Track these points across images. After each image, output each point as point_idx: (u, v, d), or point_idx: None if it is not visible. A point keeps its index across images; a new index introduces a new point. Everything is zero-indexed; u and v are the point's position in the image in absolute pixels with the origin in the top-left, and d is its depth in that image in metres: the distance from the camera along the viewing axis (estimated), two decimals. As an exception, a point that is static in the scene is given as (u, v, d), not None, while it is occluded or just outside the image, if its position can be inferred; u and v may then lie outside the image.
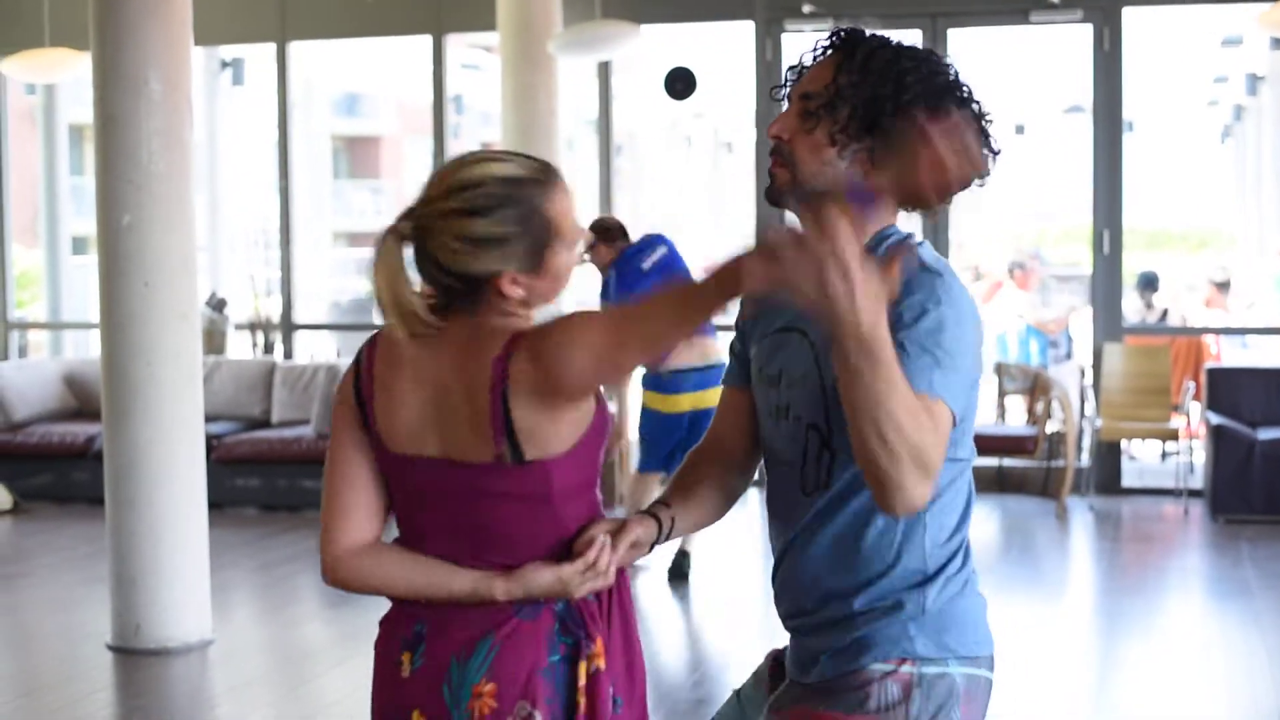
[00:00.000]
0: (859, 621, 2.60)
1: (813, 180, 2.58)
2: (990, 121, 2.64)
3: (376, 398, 2.69)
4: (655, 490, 8.39)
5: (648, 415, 8.54)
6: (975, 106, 2.62)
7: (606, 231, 8.61)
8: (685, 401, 8.40)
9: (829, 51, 2.64)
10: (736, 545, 9.42)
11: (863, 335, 2.24)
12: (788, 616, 2.75)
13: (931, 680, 2.56)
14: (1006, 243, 25.28)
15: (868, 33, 2.63)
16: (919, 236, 2.67)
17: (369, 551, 2.70)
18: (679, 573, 8.56)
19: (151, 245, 7.16)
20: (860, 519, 2.61)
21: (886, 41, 2.61)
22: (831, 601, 2.64)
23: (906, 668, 2.56)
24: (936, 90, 2.57)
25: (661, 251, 8.50)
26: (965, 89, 2.61)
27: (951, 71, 2.61)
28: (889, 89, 2.55)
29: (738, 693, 2.92)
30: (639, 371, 8.61)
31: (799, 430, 2.64)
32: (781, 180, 2.62)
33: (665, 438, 8.41)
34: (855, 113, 2.56)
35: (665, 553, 8.74)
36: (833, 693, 2.59)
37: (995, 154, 2.64)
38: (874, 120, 2.55)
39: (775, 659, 2.88)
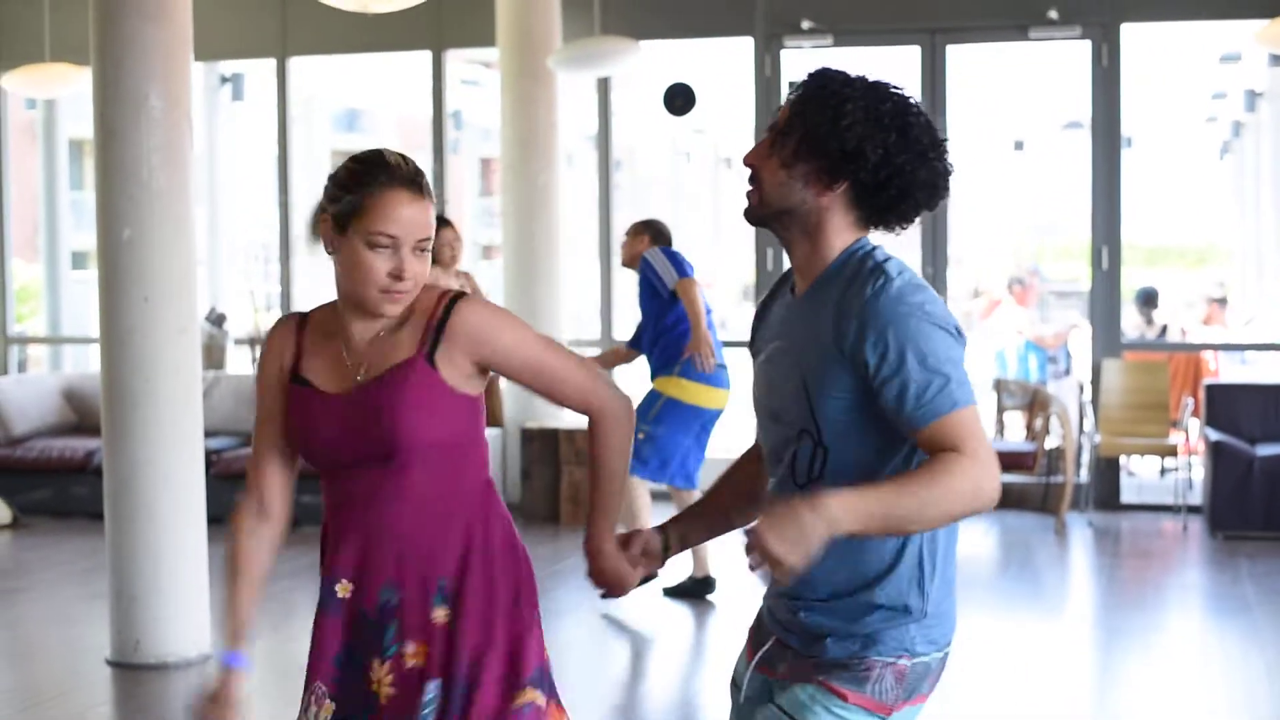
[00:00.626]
0: (870, 619, 2.87)
1: (775, 199, 2.91)
2: (945, 142, 2.91)
3: None
4: (646, 499, 8.29)
5: (677, 410, 8.21)
6: (924, 134, 2.87)
7: (658, 233, 8.51)
8: (724, 397, 8.28)
9: (801, 89, 2.95)
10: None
11: (849, 523, 2.66)
12: (787, 596, 2.97)
13: (919, 666, 2.90)
14: (1005, 259, 25.30)
15: (833, 71, 2.92)
16: (886, 248, 2.96)
17: None
18: (688, 592, 8.51)
19: (151, 260, 7.17)
20: None
21: (841, 75, 2.90)
22: (839, 593, 2.89)
23: (904, 661, 2.88)
24: (878, 115, 2.84)
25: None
26: (913, 115, 2.87)
27: (900, 98, 2.88)
28: (829, 115, 2.84)
29: (735, 681, 3.18)
30: (640, 367, 8.58)
31: (792, 434, 2.92)
32: (752, 201, 2.96)
33: (682, 439, 8.23)
34: (804, 138, 2.87)
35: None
36: (834, 668, 2.89)
37: (948, 173, 2.92)
38: (818, 143, 2.85)
39: (753, 630, 3.18)
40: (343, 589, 3.17)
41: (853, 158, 2.83)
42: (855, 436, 2.84)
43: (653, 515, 8.29)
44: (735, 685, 3.15)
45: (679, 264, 8.26)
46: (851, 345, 2.78)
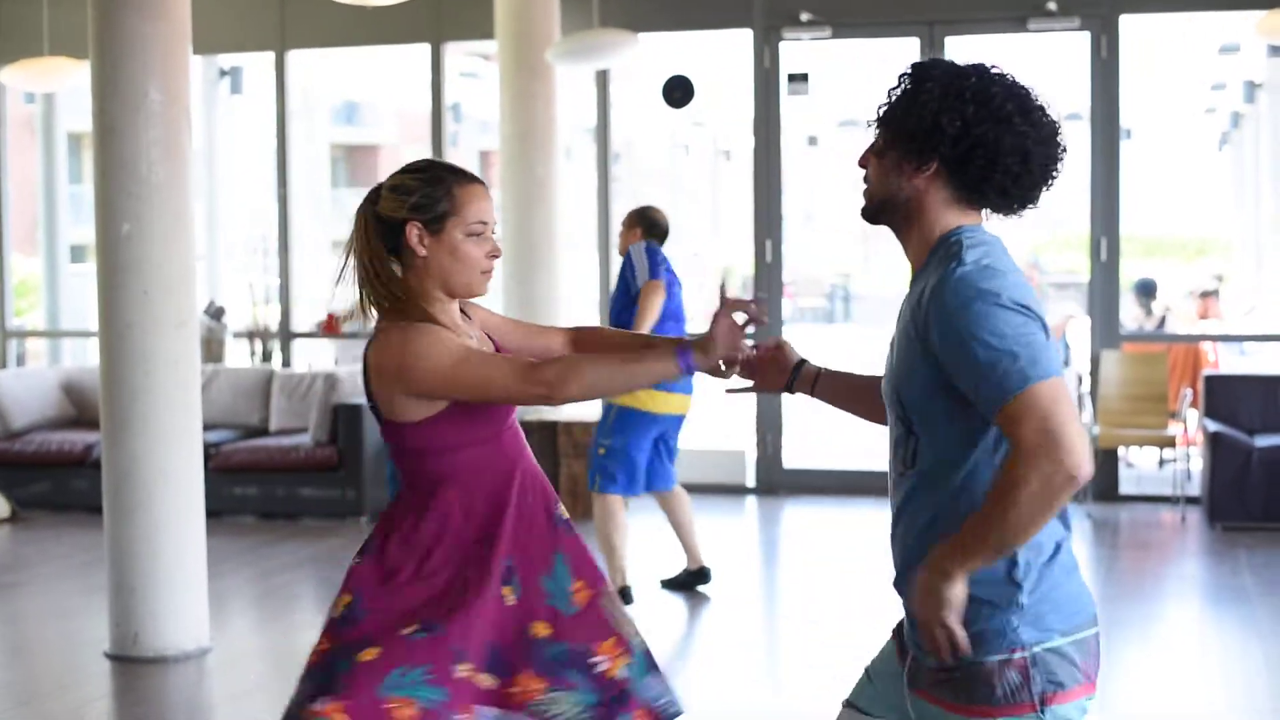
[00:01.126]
0: (965, 615, 2.80)
1: (877, 191, 2.96)
2: (1041, 110, 2.92)
3: None
4: (621, 518, 8.11)
5: (631, 418, 8.01)
6: (1010, 102, 2.87)
7: (652, 224, 8.21)
8: (682, 402, 8.09)
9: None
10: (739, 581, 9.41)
11: (958, 566, 2.75)
12: (903, 596, 3.01)
13: (1044, 656, 2.82)
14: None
15: (924, 60, 2.97)
16: (987, 233, 2.97)
17: None
18: (683, 584, 8.50)
19: (150, 254, 7.16)
20: (952, 505, 2.87)
21: (927, 62, 2.95)
22: None
23: (1019, 654, 2.82)
24: (957, 90, 2.86)
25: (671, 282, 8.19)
26: (998, 86, 2.88)
27: (988, 75, 2.89)
28: (906, 96, 2.91)
29: (868, 670, 3.18)
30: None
31: (894, 418, 2.98)
32: (864, 199, 3.02)
33: (642, 446, 8.06)
34: (889, 124, 2.94)
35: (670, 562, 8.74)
36: (961, 685, 2.85)
37: (1045, 138, 2.91)
38: (901, 126, 2.91)
39: (897, 631, 3.14)
40: (564, 510, 3.64)
41: (931, 133, 2.86)
42: (939, 424, 2.87)
43: (628, 537, 8.25)
44: (868, 676, 3.16)
45: (654, 265, 8.03)
46: (923, 330, 2.81)
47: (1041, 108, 2.90)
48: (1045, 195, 2.99)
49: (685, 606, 8.31)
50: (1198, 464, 11.05)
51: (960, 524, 2.80)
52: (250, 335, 13.05)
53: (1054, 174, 2.94)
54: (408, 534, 3.50)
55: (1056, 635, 2.83)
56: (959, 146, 2.85)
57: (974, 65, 2.91)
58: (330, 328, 10.23)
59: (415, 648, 3.34)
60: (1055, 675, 2.82)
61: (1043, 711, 2.80)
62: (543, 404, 3.40)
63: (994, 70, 2.90)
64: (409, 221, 3.43)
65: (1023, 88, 2.90)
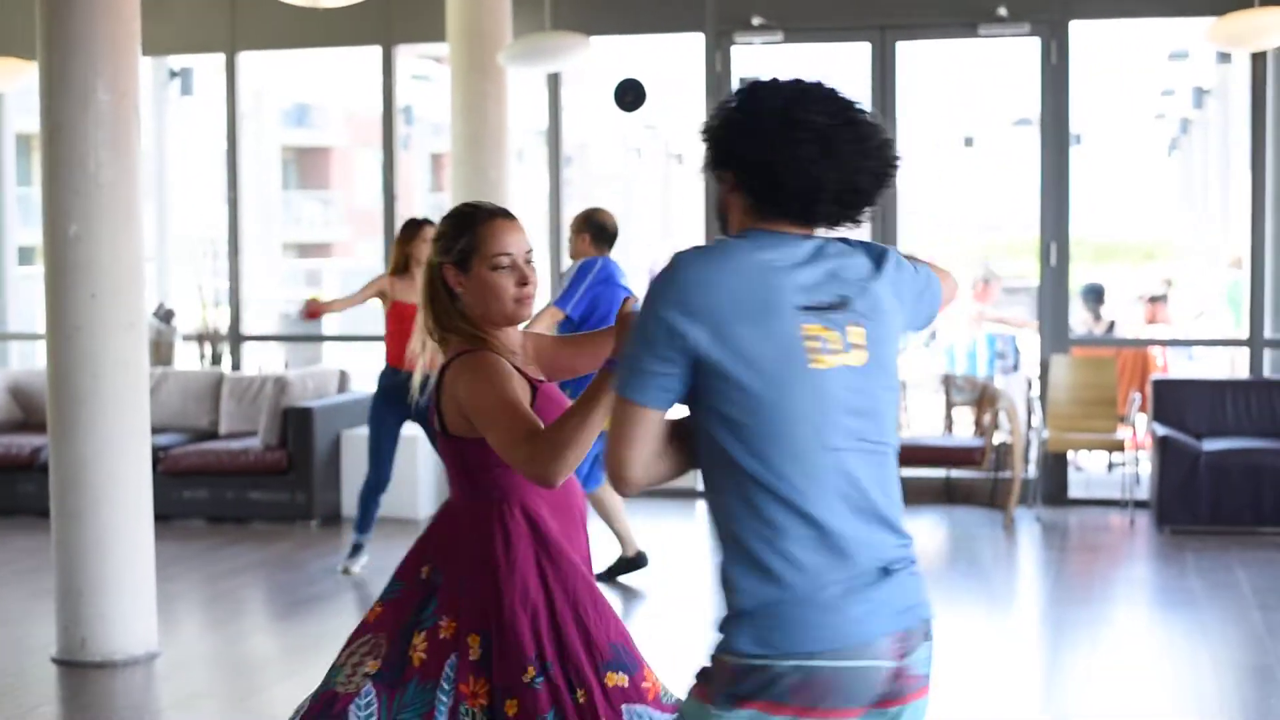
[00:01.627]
0: (720, 613, 2.93)
1: (716, 202, 3.06)
2: (813, 127, 2.90)
3: None
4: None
5: None
6: (779, 119, 2.90)
7: (599, 229, 8.29)
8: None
9: None
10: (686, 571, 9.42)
11: None
12: None
13: (752, 669, 2.84)
14: (953, 251, 25.40)
15: (762, 80, 3.00)
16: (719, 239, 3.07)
17: None
18: (624, 567, 8.56)
19: (99, 256, 7.12)
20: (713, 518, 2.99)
21: (751, 81, 3.01)
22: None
23: (732, 659, 2.86)
24: (744, 108, 2.94)
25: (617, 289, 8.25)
26: (779, 105, 2.91)
27: (791, 93, 2.93)
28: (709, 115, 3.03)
29: None
30: None
31: None
32: None
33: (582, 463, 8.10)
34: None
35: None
36: (703, 668, 2.97)
37: (814, 156, 2.90)
38: (703, 142, 3.03)
39: None
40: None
41: (715, 147, 2.98)
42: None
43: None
44: None
45: (570, 292, 8.10)
46: None
47: (813, 129, 2.88)
48: (861, 213, 3.00)
49: (632, 609, 8.31)
50: (1146, 468, 11.12)
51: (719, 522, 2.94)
52: (200, 338, 12.97)
53: (826, 193, 2.92)
54: (486, 557, 3.66)
55: (775, 655, 2.82)
56: (744, 163, 2.94)
57: (783, 83, 2.95)
58: (313, 313, 10.12)
59: (538, 695, 3.57)
60: (751, 689, 2.83)
61: (709, 704, 2.88)
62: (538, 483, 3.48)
63: (790, 87, 2.93)
64: (444, 264, 3.74)
65: (808, 109, 2.89)
